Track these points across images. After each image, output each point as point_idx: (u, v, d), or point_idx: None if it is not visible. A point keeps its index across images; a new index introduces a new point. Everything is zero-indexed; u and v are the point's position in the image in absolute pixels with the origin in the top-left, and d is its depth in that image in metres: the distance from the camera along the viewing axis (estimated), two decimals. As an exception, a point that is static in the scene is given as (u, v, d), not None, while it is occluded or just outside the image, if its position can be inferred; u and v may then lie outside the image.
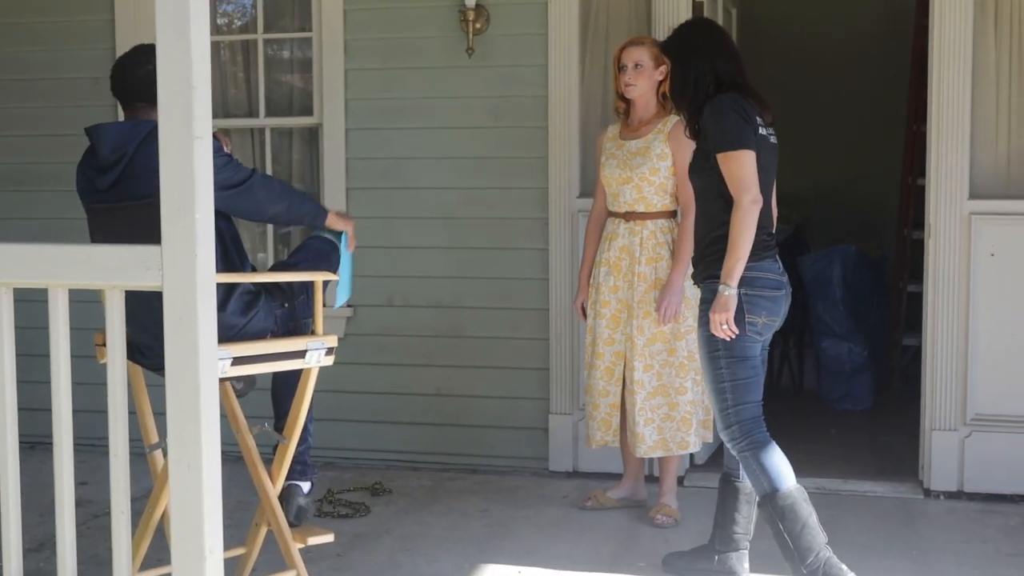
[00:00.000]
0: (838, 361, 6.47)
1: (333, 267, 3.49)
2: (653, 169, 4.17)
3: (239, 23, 5.40)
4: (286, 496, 3.37)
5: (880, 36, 7.81)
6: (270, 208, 3.28)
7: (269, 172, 5.30)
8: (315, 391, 5.12)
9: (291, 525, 3.29)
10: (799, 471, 4.86)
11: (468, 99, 4.94)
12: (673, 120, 4.14)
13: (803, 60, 7.98)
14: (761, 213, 3.28)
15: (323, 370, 5.13)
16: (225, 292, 3.08)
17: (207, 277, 2.24)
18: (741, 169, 3.23)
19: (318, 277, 3.21)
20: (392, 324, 5.11)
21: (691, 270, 3.61)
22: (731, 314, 3.22)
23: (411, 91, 5.00)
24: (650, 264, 4.19)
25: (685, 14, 4.64)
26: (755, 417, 3.31)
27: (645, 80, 4.18)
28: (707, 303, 3.30)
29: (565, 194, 4.83)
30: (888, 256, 7.11)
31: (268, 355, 3.04)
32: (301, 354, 3.14)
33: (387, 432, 5.15)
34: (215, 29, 5.35)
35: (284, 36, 5.32)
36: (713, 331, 3.25)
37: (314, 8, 5.11)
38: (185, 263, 2.21)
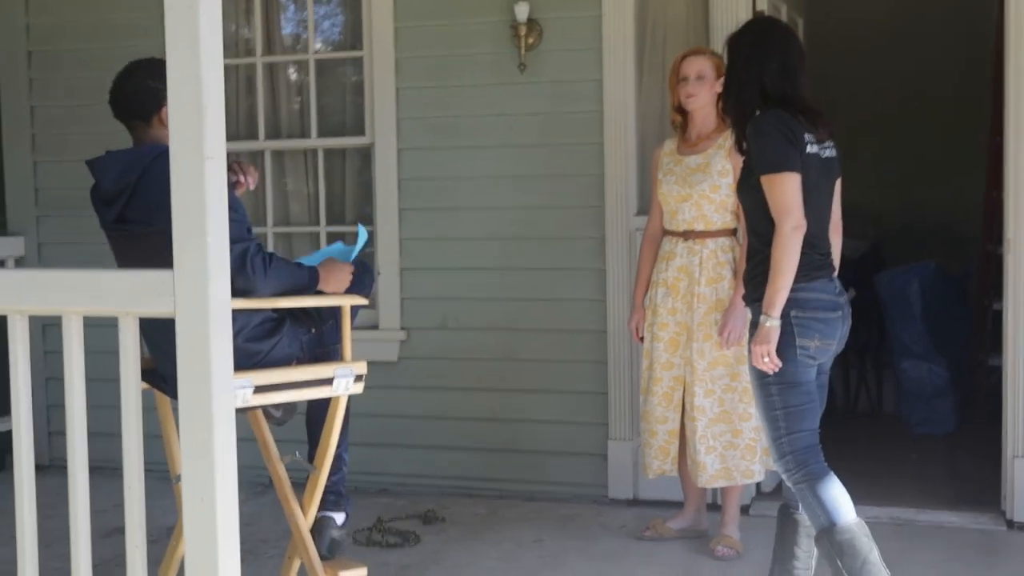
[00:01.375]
0: (918, 383, 6.23)
1: (365, 290, 3.41)
2: (714, 186, 4.03)
3: (291, 43, 5.38)
4: (318, 528, 3.30)
5: (961, 41, 7.56)
6: (259, 286, 3.04)
7: (322, 193, 5.28)
8: (367, 416, 5.14)
9: (323, 558, 3.21)
10: (872, 499, 4.74)
11: (521, 116, 4.85)
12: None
13: (879, 69, 7.77)
14: (811, 232, 3.13)
15: (375, 395, 5.13)
16: (246, 317, 3.03)
17: (221, 303, 2.17)
18: (783, 194, 3.08)
19: (346, 301, 3.14)
20: (446, 347, 5.03)
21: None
22: (772, 346, 3.06)
23: (463, 109, 4.93)
24: (710, 285, 4.04)
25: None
26: (810, 446, 3.14)
27: (707, 91, 4.05)
28: (756, 326, 3.16)
29: (622, 212, 4.71)
30: (970, 272, 6.84)
31: (293, 383, 2.97)
32: (328, 381, 3.07)
33: (441, 458, 5.06)
34: (267, 49, 5.34)
35: (335, 56, 5.29)
36: (755, 363, 3.11)
37: (364, 26, 5.07)
38: (198, 289, 2.14)
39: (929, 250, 7.05)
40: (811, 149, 3.17)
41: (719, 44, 4.42)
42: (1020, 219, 4.42)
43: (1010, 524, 4.40)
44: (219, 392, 2.13)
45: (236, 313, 2.98)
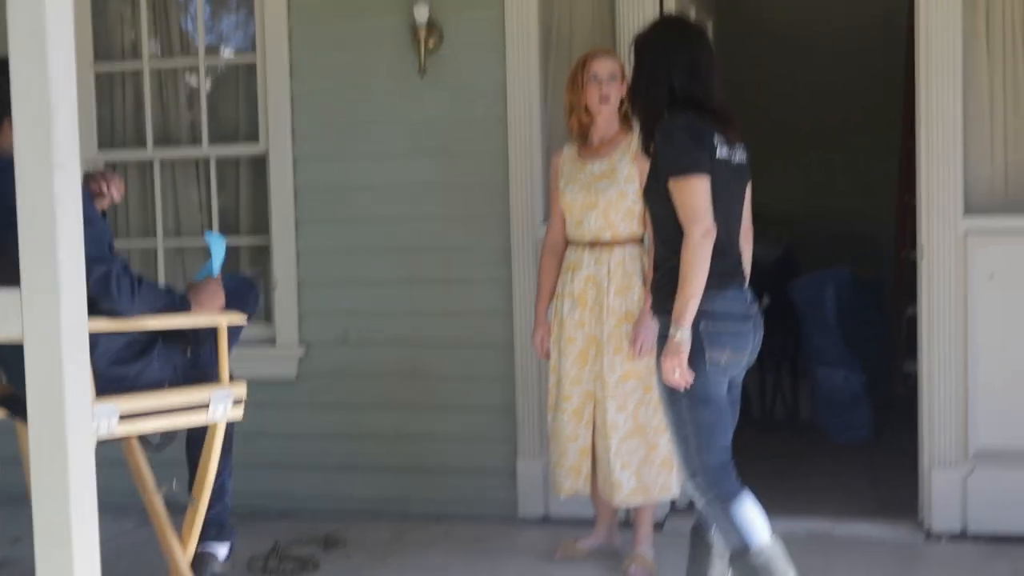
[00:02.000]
0: (834, 390, 6.21)
1: (249, 307, 3.24)
2: (620, 193, 3.90)
3: (179, 47, 5.16)
4: (199, 563, 3.11)
5: (875, 43, 7.60)
6: (126, 310, 2.86)
7: (215, 204, 5.08)
8: (265, 436, 4.95)
9: (204, 597, 3.03)
10: (789, 510, 4.67)
11: (422, 121, 4.69)
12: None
13: (790, 73, 7.78)
14: (721, 239, 3.03)
15: (273, 414, 4.98)
16: (110, 339, 2.83)
17: (74, 325, 1.99)
18: (691, 197, 2.96)
19: (220, 320, 2.95)
20: (347, 363, 4.85)
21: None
22: (683, 359, 2.95)
23: (361, 115, 4.76)
24: (620, 296, 3.91)
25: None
26: (723, 464, 3.04)
27: (619, 94, 3.93)
28: (665, 338, 3.05)
29: (528, 220, 4.58)
30: (884, 278, 6.86)
31: (164, 409, 2.78)
32: (204, 406, 2.88)
33: (344, 479, 4.87)
34: (156, 52, 5.13)
35: (227, 60, 5.09)
36: (665, 378, 3.00)
37: (257, 28, 4.88)
38: (48, 310, 1.96)
39: (842, 256, 7.05)
40: (721, 153, 3.07)
41: (626, 44, 4.33)
42: (933, 224, 4.39)
43: (928, 535, 4.36)
44: (75, 424, 1.96)
45: (99, 336, 2.80)
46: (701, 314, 2.98)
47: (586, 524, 4.33)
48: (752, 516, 2.96)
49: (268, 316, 5.00)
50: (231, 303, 3.11)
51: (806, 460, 5.77)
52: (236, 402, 2.96)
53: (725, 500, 2.98)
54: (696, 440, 3.01)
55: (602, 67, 3.92)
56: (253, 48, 4.93)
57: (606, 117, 3.96)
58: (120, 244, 5.15)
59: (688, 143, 3.01)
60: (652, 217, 3.24)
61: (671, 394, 3.03)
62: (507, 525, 4.64)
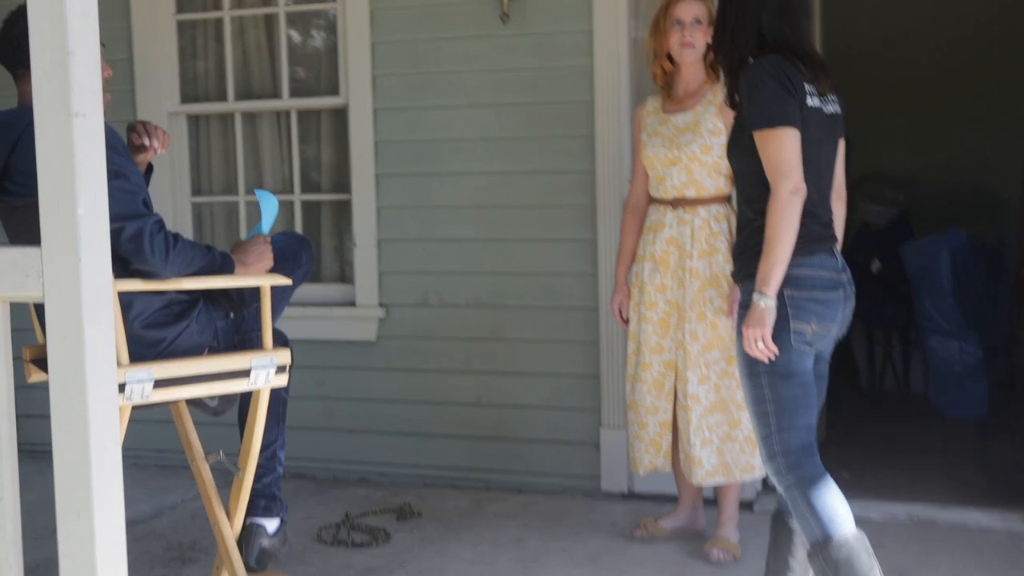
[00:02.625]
0: (948, 362, 5.89)
1: (300, 269, 3.12)
2: (704, 147, 3.69)
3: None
4: (246, 537, 3.01)
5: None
6: (160, 269, 2.74)
7: (296, 161, 5.01)
8: (344, 400, 4.89)
9: (251, 570, 2.94)
10: (891, 493, 4.43)
11: (504, 72, 4.51)
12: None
13: (908, 22, 7.38)
14: (811, 199, 2.80)
15: (352, 377, 4.89)
16: (146, 301, 2.75)
17: (97, 285, 1.89)
18: (779, 151, 2.73)
19: (264, 281, 2.84)
20: (427, 325, 4.73)
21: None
22: (767, 330, 2.73)
23: (442, 64, 4.60)
24: (703, 258, 3.70)
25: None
26: (804, 446, 2.82)
27: (704, 40, 3.71)
28: (746, 308, 2.84)
29: (614, 177, 4.38)
30: (1008, 242, 6.48)
31: (201, 376, 2.68)
32: (246, 373, 2.77)
33: (424, 445, 4.77)
34: (236, 2, 5.06)
35: (306, 8, 4.98)
36: (747, 349, 2.79)
37: (337, -26, 4.77)
38: (68, 269, 1.86)
39: (963, 217, 6.69)
40: (812, 102, 2.83)
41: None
42: (1057, 184, 4.08)
43: (1042, 524, 4.08)
44: (97, 389, 1.86)
45: (135, 296, 2.72)
46: (787, 280, 2.76)
47: (671, 501, 4.16)
48: (835, 504, 2.75)
49: (348, 277, 4.92)
50: (280, 264, 3.00)
51: (914, 436, 5.49)
52: (280, 369, 2.85)
53: (806, 485, 2.77)
54: (776, 419, 2.80)
55: (686, 11, 3.70)
56: (333, -2, 4.82)
57: (690, 65, 3.73)
58: (202, 199, 5.14)
59: (776, 90, 2.77)
60: (736, 173, 3.02)
61: (750, 367, 2.83)
62: (589, 499, 4.49)
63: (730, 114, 3.30)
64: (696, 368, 3.71)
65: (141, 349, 2.68)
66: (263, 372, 2.79)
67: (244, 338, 2.93)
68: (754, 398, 2.83)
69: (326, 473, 4.91)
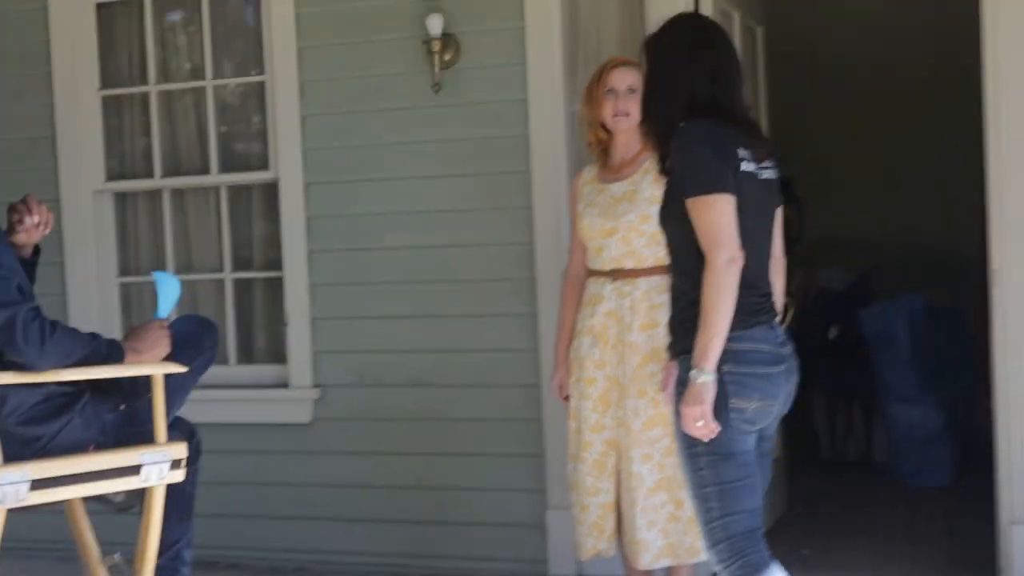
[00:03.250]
0: (909, 429, 5.80)
1: (201, 353, 2.99)
2: (643, 216, 3.56)
3: (187, 68, 5.00)
4: (147, 648, 2.86)
5: (950, 63, 7.17)
6: (34, 360, 2.60)
7: (227, 238, 4.91)
8: (279, 485, 4.75)
9: None
10: (854, 566, 4.33)
11: (437, 143, 4.44)
12: (666, 155, 3.59)
13: (856, 82, 7.39)
14: (749, 269, 2.72)
15: (287, 461, 4.76)
16: (22, 395, 2.60)
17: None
18: (713, 219, 2.64)
19: (155, 370, 2.70)
20: (364, 406, 4.60)
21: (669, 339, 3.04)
22: (707, 407, 2.63)
23: (374, 136, 4.52)
24: (644, 331, 3.57)
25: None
26: (749, 531, 2.70)
27: (638, 108, 3.63)
28: (684, 384, 2.73)
29: (553, 249, 4.28)
30: (966, 306, 6.43)
31: (86, 474, 2.53)
32: (135, 470, 2.63)
33: (364, 531, 4.61)
34: (163, 75, 4.98)
35: (234, 81, 4.90)
36: (686, 428, 2.69)
37: (266, 46, 4.69)
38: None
39: (924, 279, 6.64)
40: (746, 167, 2.75)
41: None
42: (1006, 245, 4.03)
43: (1007, 598, 3.97)
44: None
45: (8, 390, 2.57)
46: (726, 355, 2.67)
47: (623, 584, 4.02)
48: None
49: (281, 357, 4.79)
50: (180, 350, 2.86)
51: (877, 508, 5.39)
52: (175, 464, 2.70)
53: (751, 573, 2.66)
54: (719, 503, 2.69)
55: (619, 79, 3.63)
56: (262, 69, 4.75)
57: (625, 133, 3.65)
58: (130, 280, 5.01)
59: (709, 155, 2.70)
60: (669, 243, 2.93)
61: (689, 447, 2.72)
62: (537, 584, 4.36)
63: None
64: (639, 446, 3.57)
65: (17, 447, 2.54)
66: (155, 468, 2.64)
67: (137, 431, 2.77)
68: (695, 482, 2.72)
69: (263, 562, 4.75)
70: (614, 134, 3.68)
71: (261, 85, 4.78)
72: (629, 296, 3.61)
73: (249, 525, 4.74)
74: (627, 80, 3.63)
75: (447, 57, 4.37)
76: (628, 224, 3.59)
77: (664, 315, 3.49)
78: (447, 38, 4.34)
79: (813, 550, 4.44)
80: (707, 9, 4.19)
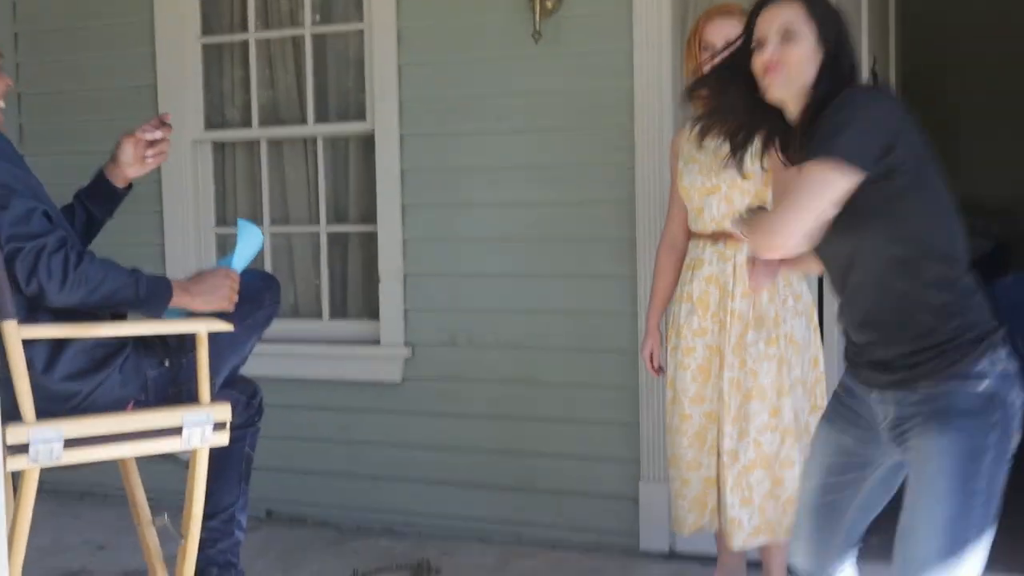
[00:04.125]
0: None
1: (259, 311, 2.90)
2: (746, 172, 3.40)
3: (286, 16, 4.97)
4: (193, 611, 2.83)
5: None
6: (52, 294, 2.53)
7: (323, 190, 4.89)
8: (368, 444, 4.74)
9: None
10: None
11: (536, 94, 4.31)
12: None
13: (998, 50, 7.03)
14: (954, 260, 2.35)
15: (377, 420, 4.75)
16: (52, 347, 2.55)
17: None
18: (822, 189, 2.19)
19: (201, 327, 2.61)
20: (455, 367, 4.54)
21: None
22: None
23: (471, 86, 4.41)
24: (747, 298, 3.43)
25: None
26: None
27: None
28: (966, 415, 2.28)
29: (655, 208, 4.15)
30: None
31: (124, 434, 2.45)
32: (177, 431, 2.56)
33: (451, 495, 4.57)
34: (262, 23, 4.96)
35: (333, 28, 4.85)
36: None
37: (364, -7, 4.64)
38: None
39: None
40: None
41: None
42: None
43: None
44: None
45: (43, 341, 2.51)
46: (990, 396, 2.28)
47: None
48: None
49: (373, 313, 4.76)
50: (239, 304, 2.80)
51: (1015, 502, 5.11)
52: (218, 426, 2.62)
53: None
54: (974, 554, 2.29)
55: (716, 32, 3.43)
56: (361, 17, 4.69)
57: None
58: (227, 230, 5.03)
59: (878, 131, 2.24)
60: (843, 258, 2.42)
61: (969, 481, 2.27)
62: (627, 558, 4.23)
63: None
64: (734, 422, 3.44)
65: (51, 404, 2.50)
66: (197, 430, 2.55)
67: (180, 391, 2.71)
68: (961, 521, 2.29)
69: (350, 522, 4.74)
70: (714, 88, 3.51)
71: (360, 34, 4.72)
72: (731, 260, 3.46)
73: (337, 483, 4.74)
74: (723, 33, 3.42)
75: (549, 4, 4.24)
76: (730, 181, 3.44)
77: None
78: (550, -17, 4.22)
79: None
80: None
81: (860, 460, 2.53)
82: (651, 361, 3.68)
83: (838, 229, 2.32)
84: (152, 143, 3.04)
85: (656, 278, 3.67)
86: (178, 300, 2.67)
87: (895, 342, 2.39)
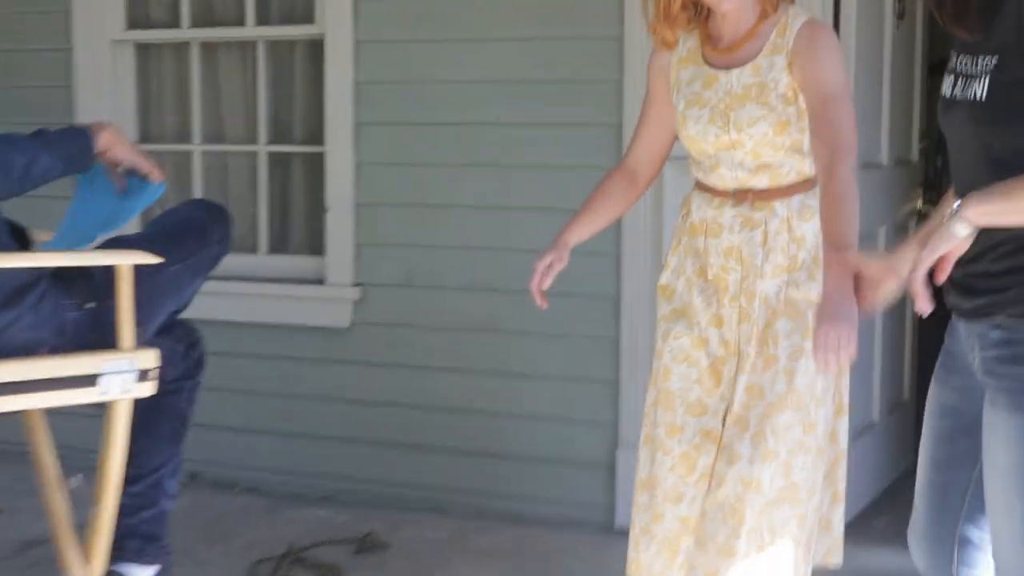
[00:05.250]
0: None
1: (205, 249, 2.57)
2: (780, 124, 2.61)
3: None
4: (108, 589, 2.46)
5: None
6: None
7: (263, 104, 4.45)
8: (308, 399, 4.32)
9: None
10: None
11: (515, -2, 3.91)
12: (797, 20, 2.61)
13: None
14: None
15: (320, 370, 4.35)
16: None
17: None
18: None
19: (122, 259, 2.25)
20: (411, 311, 4.17)
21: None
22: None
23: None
24: (777, 276, 2.63)
25: None
26: None
27: None
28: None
29: (647, 133, 3.77)
30: None
31: (32, 382, 2.14)
32: (91, 379, 2.22)
33: (402, 459, 4.20)
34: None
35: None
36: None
37: None
38: None
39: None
40: None
41: None
42: None
43: None
44: None
45: None
46: None
47: (703, 544, 3.52)
48: None
49: (318, 248, 4.34)
50: (180, 239, 2.50)
51: None
52: (142, 375, 2.28)
53: None
54: None
55: None
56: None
57: (736, 10, 2.62)
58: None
59: None
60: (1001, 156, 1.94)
61: None
62: (602, 536, 3.87)
63: (815, 60, 2.46)
64: (760, 440, 2.60)
65: None
66: (117, 379, 2.23)
67: (101, 336, 2.34)
68: None
69: (283, 489, 4.35)
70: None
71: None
72: (760, 226, 2.66)
73: (272, 443, 4.38)
74: None
75: None
76: (761, 137, 2.65)
77: (806, 253, 2.64)
78: None
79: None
80: None
81: (967, 423, 2.07)
82: (540, 278, 2.86)
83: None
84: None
85: (592, 195, 2.90)
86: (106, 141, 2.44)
87: (983, 255, 1.95)
